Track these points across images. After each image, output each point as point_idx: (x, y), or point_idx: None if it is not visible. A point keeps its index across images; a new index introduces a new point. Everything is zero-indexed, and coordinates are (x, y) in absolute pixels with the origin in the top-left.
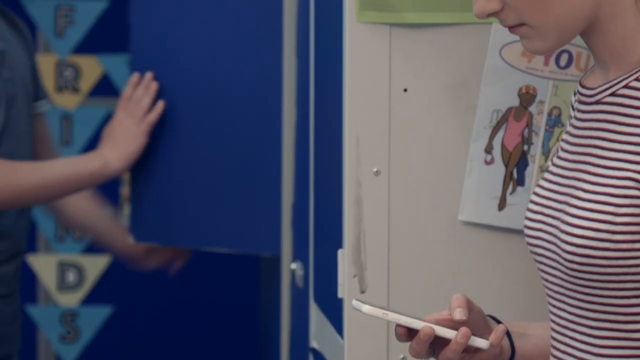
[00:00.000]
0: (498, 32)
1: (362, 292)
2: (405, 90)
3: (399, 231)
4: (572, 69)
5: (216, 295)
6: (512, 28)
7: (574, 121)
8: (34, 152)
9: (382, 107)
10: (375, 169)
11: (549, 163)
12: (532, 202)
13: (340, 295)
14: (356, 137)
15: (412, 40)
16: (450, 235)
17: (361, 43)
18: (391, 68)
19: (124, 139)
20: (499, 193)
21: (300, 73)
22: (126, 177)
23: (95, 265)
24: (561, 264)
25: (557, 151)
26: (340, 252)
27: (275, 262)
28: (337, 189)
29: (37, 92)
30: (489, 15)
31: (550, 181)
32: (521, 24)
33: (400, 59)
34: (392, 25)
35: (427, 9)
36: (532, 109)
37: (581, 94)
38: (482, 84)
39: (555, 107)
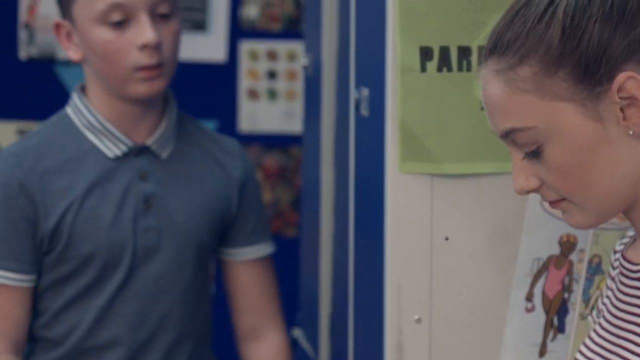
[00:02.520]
0: None
1: None
2: (446, 238)
3: None
4: (613, 218)
5: None
6: (552, 203)
7: (617, 292)
8: (232, 301)
9: (423, 255)
10: (416, 317)
11: (589, 314)
12: None
13: None
14: (397, 284)
15: (454, 189)
16: None
17: (403, 192)
18: (432, 217)
19: None
20: (539, 340)
21: (338, 216)
22: None
23: None
24: None
25: (599, 305)
26: None
27: None
28: (378, 335)
29: (245, 237)
30: (529, 192)
31: (592, 350)
32: (562, 199)
33: (441, 207)
34: (433, 174)
35: (468, 160)
36: (573, 257)
37: (623, 267)
38: (523, 233)
39: (595, 255)
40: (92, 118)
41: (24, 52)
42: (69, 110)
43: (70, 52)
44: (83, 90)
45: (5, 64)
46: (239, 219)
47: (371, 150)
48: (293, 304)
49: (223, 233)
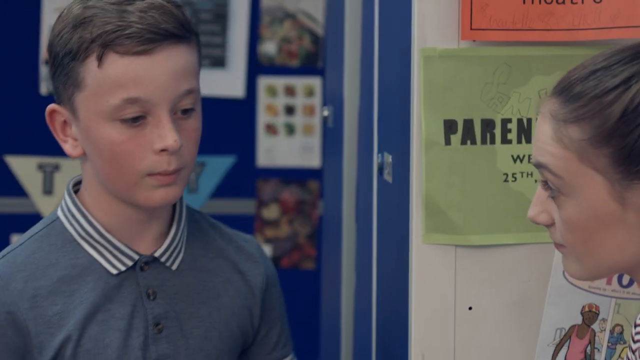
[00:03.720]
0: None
1: None
2: (470, 308)
3: None
4: (634, 288)
5: None
6: (556, 244)
7: None
8: None
9: (447, 325)
10: None
11: None
12: None
13: None
14: (422, 354)
15: (477, 259)
16: None
17: (427, 263)
18: (456, 287)
19: None
20: None
21: (360, 282)
22: None
23: None
24: None
25: None
26: None
27: None
28: None
29: (267, 352)
30: (539, 224)
31: None
32: (564, 246)
33: (465, 277)
34: (457, 245)
35: (491, 232)
36: (595, 326)
37: None
38: (546, 303)
39: (617, 325)
40: (89, 228)
41: (45, 87)
42: (60, 215)
43: (66, 145)
44: (77, 186)
45: (27, 99)
46: (261, 332)
47: (395, 218)
48: (314, 340)
49: (244, 349)
